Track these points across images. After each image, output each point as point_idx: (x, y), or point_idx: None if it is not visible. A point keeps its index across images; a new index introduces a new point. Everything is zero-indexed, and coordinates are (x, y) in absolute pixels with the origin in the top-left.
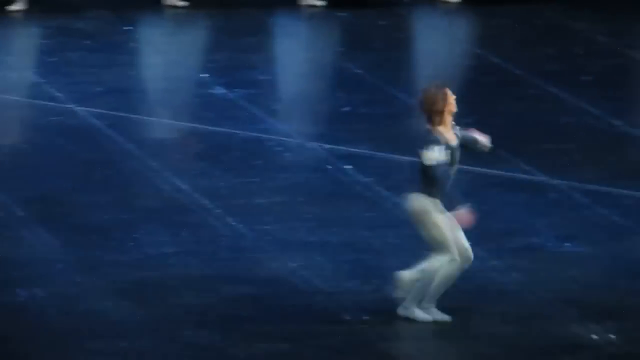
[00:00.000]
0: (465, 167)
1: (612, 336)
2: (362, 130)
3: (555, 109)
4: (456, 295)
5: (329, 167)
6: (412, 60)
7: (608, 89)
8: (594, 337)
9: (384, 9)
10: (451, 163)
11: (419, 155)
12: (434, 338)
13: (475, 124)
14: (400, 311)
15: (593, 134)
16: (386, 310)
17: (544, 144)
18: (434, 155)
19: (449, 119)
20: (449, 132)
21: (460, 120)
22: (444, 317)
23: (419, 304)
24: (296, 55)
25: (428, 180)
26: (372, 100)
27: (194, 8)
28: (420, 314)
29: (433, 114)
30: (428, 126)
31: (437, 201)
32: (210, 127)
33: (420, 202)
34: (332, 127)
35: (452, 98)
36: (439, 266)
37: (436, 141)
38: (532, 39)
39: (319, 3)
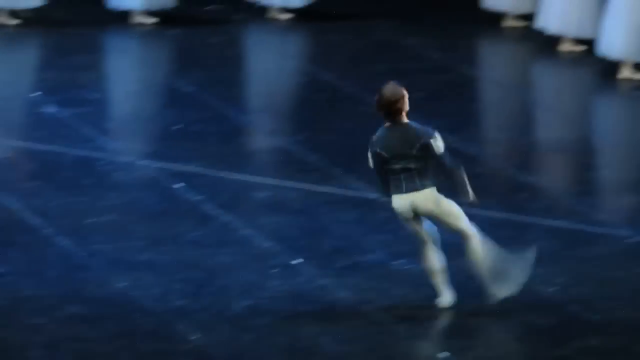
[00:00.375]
0: (296, 184)
1: (443, 356)
2: (193, 149)
3: None
4: (290, 311)
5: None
6: (243, 78)
7: (440, 104)
8: (436, 352)
9: (215, 26)
10: None
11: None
12: (265, 356)
13: (307, 141)
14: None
15: None
16: (217, 328)
17: None
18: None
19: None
20: None
21: (292, 137)
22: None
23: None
24: (127, 73)
25: (437, 168)
26: (203, 119)
27: (25, 26)
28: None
29: (402, 109)
30: (406, 120)
31: None
32: (41, 146)
33: (434, 194)
34: (163, 145)
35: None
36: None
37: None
38: (363, 55)
39: (149, 21)
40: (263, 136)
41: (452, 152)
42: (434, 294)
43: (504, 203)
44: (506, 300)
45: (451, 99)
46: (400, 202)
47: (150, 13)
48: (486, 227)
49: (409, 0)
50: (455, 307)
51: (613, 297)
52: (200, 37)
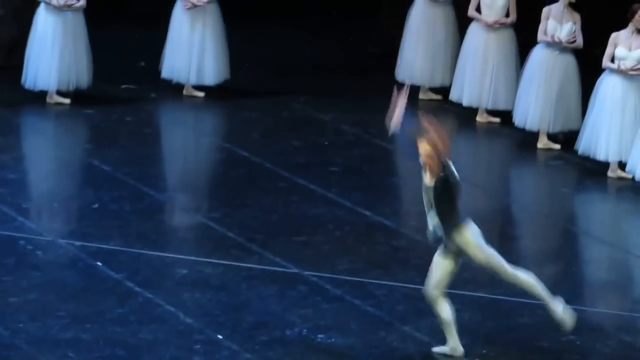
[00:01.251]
0: (215, 260)
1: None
2: (112, 227)
3: (304, 200)
4: None
5: (80, 264)
6: (160, 155)
7: (357, 179)
8: None
9: (130, 105)
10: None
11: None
12: None
13: (226, 217)
14: None
15: (343, 224)
16: None
17: (295, 236)
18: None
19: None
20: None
21: (211, 214)
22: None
23: None
24: (44, 153)
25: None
26: (121, 197)
27: None
28: None
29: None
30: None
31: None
32: None
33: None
34: (82, 223)
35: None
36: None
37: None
38: (279, 131)
39: (65, 101)
40: (181, 213)
41: (370, 226)
42: None
43: (424, 275)
44: None
45: (367, 173)
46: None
47: (65, 93)
48: (408, 299)
49: (323, 75)
50: None
51: None
52: (116, 116)
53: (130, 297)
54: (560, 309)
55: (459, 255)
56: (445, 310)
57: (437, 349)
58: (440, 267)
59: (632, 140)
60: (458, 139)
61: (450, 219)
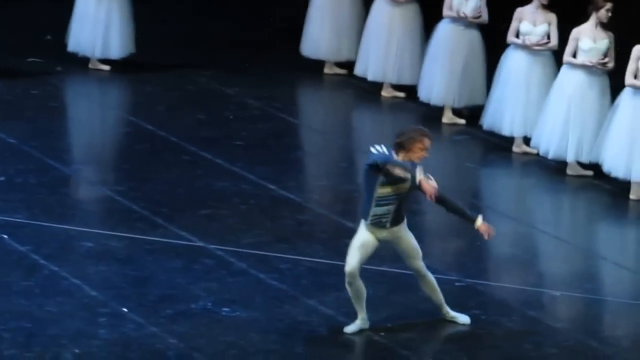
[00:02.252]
0: (121, 233)
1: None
2: (18, 200)
3: (209, 174)
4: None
5: None
6: (65, 128)
7: (262, 153)
8: None
9: (36, 78)
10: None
11: None
12: None
13: (131, 190)
14: None
15: (248, 198)
16: None
17: (200, 210)
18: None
19: (404, 158)
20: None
21: (116, 187)
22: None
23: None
24: None
25: None
26: (27, 170)
27: None
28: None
29: (397, 144)
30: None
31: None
32: None
33: None
34: None
35: (419, 148)
36: None
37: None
38: (183, 105)
39: None
40: (87, 186)
41: (275, 200)
42: (262, 340)
43: (330, 249)
44: (336, 345)
45: (272, 147)
46: None
47: None
48: (312, 273)
49: (228, 49)
50: (284, 352)
51: (442, 341)
52: (22, 89)
53: (35, 269)
54: (458, 316)
55: (384, 242)
56: (362, 286)
57: (348, 330)
58: (370, 246)
59: (537, 115)
60: (362, 114)
61: (402, 214)
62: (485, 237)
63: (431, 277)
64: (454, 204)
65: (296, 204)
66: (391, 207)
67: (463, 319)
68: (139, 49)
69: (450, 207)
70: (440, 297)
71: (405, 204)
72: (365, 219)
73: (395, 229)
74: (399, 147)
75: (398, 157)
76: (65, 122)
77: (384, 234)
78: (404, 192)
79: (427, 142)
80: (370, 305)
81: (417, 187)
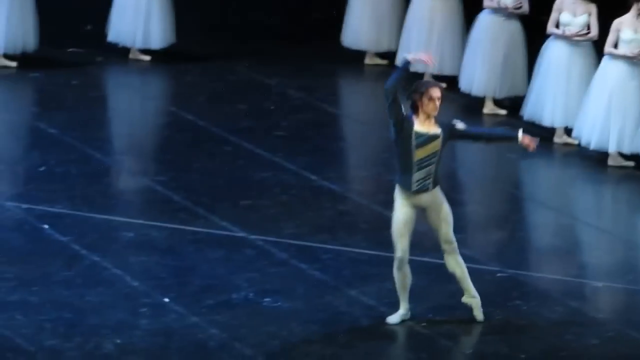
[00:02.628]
0: (162, 223)
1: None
2: (59, 190)
3: (250, 164)
4: (161, 349)
5: (27, 226)
6: (106, 119)
7: (302, 143)
8: None
9: (76, 68)
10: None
11: None
12: None
13: (171, 180)
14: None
15: (289, 189)
16: None
17: (241, 200)
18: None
19: (423, 115)
20: (427, 125)
21: (156, 178)
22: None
23: None
24: None
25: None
26: (68, 160)
27: None
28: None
29: (410, 107)
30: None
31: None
32: None
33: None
34: (28, 187)
35: (430, 100)
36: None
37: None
38: (224, 95)
39: (12, 64)
40: (127, 177)
41: (316, 191)
42: (303, 330)
43: (371, 240)
44: (378, 336)
45: (313, 137)
46: None
47: (12, 56)
48: (354, 264)
49: (269, 40)
50: (326, 343)
51: (484, 332)
52: (62, 79)
53: (76, 260)
54: (476, 308)
55: (422, 210)
56: (410, 273)
57: (391, 320)
58: (412, 222)
59: (578, 106)
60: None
61: (439, 174)
62: (530, 149)
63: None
64: (490, 133)
65: (337, 195)
66: (432, 168)
67: (478, 313)
68: (180, 39)
69: (489, 136)
70: (465, 276)
71: (440, 163)
72: (409, 188)
73: (436, 190)
74: (413, 108)
75: (417, 118)
76: (105, 113)
77: (425, 198)
78: (440, 149)
79: (433, 91)
80: (412, 296)
81: (449, 139)
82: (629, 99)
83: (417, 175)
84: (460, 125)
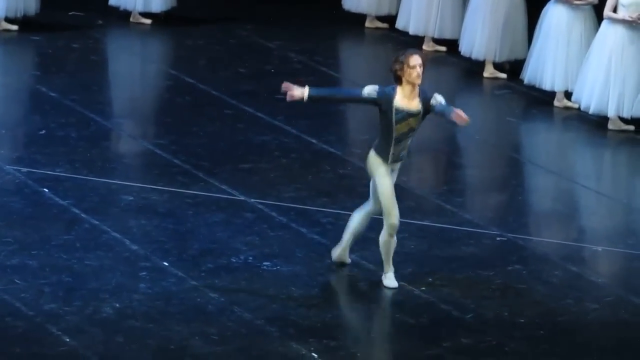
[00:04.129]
0: (161, 187)
1: (315, 355)
2: (59, 153)
3: (250, 128)
4: (161, 313)
5: (27, 190)
6: (106, 82)
7: (303, 106)
8: (306, 352)
9: (77, 32)
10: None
11: None
12: (137, 358)
13: (172, 144)
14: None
15: (289, 152)
16: (89, 331)
17: (241, 164)
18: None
19: (407, 87)
20: (409, 99)
21: (156, 141)
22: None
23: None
24: None
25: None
26: (68, 123)
27: None
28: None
29: (394, 77)
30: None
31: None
32: None
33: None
34: (28, 150)
35: (411, 68)
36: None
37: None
38: (225, 59)
39: (12, 27)
40: (127, 140)
41: (316, 154)
42: (303, 294)
43: None
44: (377, 300)
45: None
46: None
47: (13, 20)
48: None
49: (269, 3)
50: (325, 306)
51: (484, 296)
52: (63, 43)
53: (76, 223)
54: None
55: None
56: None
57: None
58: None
59: (578, 69)
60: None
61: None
62: (461, 122)
63: None
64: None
65: (337, 158)
66: (408, 142)
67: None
68: (180, 3)
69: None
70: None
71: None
72: (386, 159)
73: (405, 158)
74: (396, 78)
75: (402, 89)
76: (106, 76)
77: (397, 166)
78: (417, 125)
79: (414, 59)
80: (411, 260)
81: (426, 114)
82: (628, 63)
83: (394, 149)
84: (437, 99)
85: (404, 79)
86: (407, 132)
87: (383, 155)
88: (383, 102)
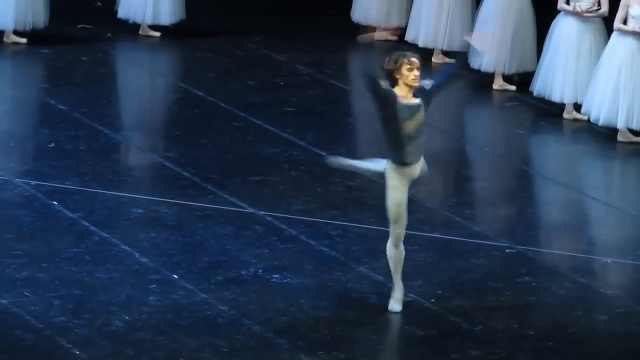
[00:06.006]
0: (171, 199)
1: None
2: (68, 166)
3: (259, 140)
4: (170, 325)
5: (36, 203)
6: (115, 95)
7: (311, 119)
8: None
9: (86, 44)
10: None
11: None
12: None
13: (181, 157)
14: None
15: (298, 164)
16: (98, 344)
17: (250, 176)
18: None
19: (404, 88)
20: (407, 98)
21: (166, 154)
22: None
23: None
24: (0, 92)
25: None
26: (77, 136)
27: None
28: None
29: (388, 73)
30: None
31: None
32: None
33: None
34: (37, 163)
35: (407, 68)
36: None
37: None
38: (233, 71)
39: (21, 40)
40: (137, 153)
41: (325, 167)
42: (312, 306)
43: (380, 216)
44: (387, 312)
45: (323, 113)
46: None
47: (22, 32)
48: (363, 240)
49: (277, 16)
50: (335, 319)
51: (493, 308)
52: (72, 55)
53: (85, 236)
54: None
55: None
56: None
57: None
58: (405, 203)
59: (588, 81)
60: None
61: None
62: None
63: None
64: (451, 71)
65: (346, 171)
66: (421, 138)
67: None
68: (189, 15)
69: (454, 73)
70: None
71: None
72: (405, 163)
73: (422, 157)
74: (391, 79)
75: (399, 89)
76: (115, 89)
77: (416, 169)
78: (423, 119)
79: (412, 60)
80: (421, 272)
81: (428, 104)
82: (638, 75)
83: (410, 149)
84: (427, 83)
85: (400, 81)
86: (419, 127)
87: (400, 162)
88: (391, 98)
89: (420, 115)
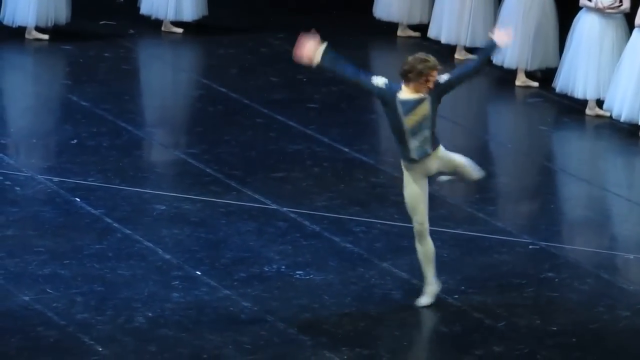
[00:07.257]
0: (194, 196)
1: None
2: (90, 163)
3: (283, 137)
4: (194, 322)
5: (59, 200)
6: (138, 91)
7: (335, 115)
8: None
9: (108, 41)
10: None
11: None
12: None
13: (204, 153)
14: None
15: (321, 161)
16: (121, 340)
17: (273, 173)
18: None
19: (414, 88)
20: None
21: (189, 150)
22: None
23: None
24: (22, 89)
25: None
26: (100, 133)
27: None
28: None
29: (405, 74)
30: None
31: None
32: None
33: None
34: (60, 159)
35: (430, 80)
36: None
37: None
38: (256, 68)
39: (43, 37)
40: (160, 149)
41: (348, 163)
42: (336, 303)
43: (403, 212)
44: (410, 308)
45: (346, 110)
46: None
47: (44, 29)
48: (386, 236)
49: (301, 12)
50: (358, 315)
51: (516, 304)
52: (94, 52)
53: (108, 233)
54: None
55: (437, 175)
56: (432, 245)
57: (423, 302)
58: (424, 196)
59: (610, 77)
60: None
61: (436, 136)
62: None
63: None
64: (474, 64)
65: (370, 167)
66: (426, 132)
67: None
68: (212, 12)
69: (475, 66)
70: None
71: (435, 125)
72: (409, 157)
73: (438, 150)
74: (407, 80)
75: (407, 87)
76: (137, 85)
77: (430, 163)
78: (430, 112)
79: (434, 74)
80: (444, 268)
81: (440, 97)
82: None
83: (413, 143)
84: (443, 78)
85: (414, 82)
86: (421, 121)
87: (405, 156)
88: (387, 96)
89: (423, 109)
